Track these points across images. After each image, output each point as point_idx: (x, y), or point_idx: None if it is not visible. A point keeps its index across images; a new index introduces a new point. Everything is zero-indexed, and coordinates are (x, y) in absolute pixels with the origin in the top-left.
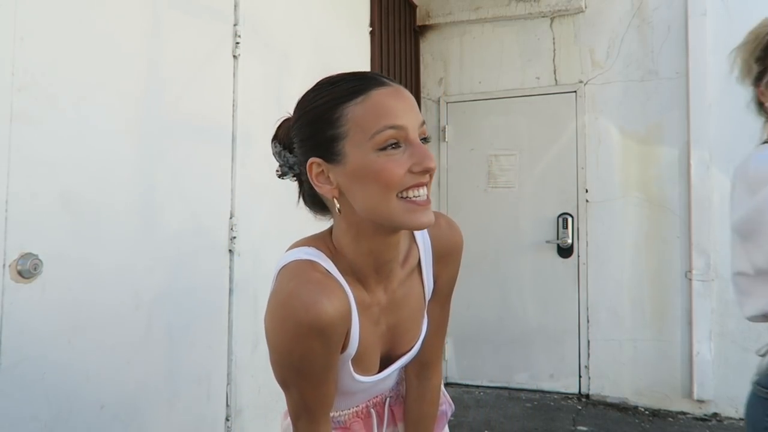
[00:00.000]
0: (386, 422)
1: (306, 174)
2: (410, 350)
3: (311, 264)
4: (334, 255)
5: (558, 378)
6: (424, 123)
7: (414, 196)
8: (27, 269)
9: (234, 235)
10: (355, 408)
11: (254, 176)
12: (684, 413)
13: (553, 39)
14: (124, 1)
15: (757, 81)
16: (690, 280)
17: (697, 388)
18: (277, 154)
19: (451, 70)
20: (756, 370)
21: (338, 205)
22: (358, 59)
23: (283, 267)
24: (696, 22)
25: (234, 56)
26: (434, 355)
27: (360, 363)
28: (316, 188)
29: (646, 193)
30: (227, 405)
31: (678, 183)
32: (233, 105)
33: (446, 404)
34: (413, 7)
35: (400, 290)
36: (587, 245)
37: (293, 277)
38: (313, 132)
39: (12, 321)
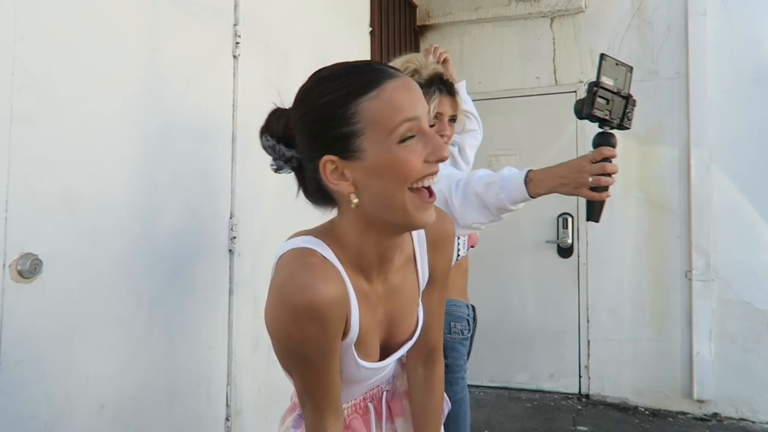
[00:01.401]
0: (384, 418)
1: (311, 170)
2: (410, 338)
3: (309, 251)
4: (334, 245)
5: (558, 378)
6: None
7: (427, 185)
8: (27, 269)
9: (234, 235)
10: (353, 401)
11: (254, 176)
12: (684, 413)
13: (553, 39)
14: (124, 1)
15: None
16: (690, 280)
17: (697, 388)
18: (270, 148)
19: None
20: None
21: (356, 201)
22: (358, 59)
23: (281, 255)
24: (696, 22)
25: (234, 56)
26: (437, 342)
27: (362, 349)
28: (330, 186)
29: (646, 193)
30: (227, 405)
31: (678, 183)
32: (233, 105)
33: (443, 401)
34: (413, 7)
35: (395, 278)
36: (587, 245)
37: (290, 263)
38: (323, 129)
39: (12, 321)
